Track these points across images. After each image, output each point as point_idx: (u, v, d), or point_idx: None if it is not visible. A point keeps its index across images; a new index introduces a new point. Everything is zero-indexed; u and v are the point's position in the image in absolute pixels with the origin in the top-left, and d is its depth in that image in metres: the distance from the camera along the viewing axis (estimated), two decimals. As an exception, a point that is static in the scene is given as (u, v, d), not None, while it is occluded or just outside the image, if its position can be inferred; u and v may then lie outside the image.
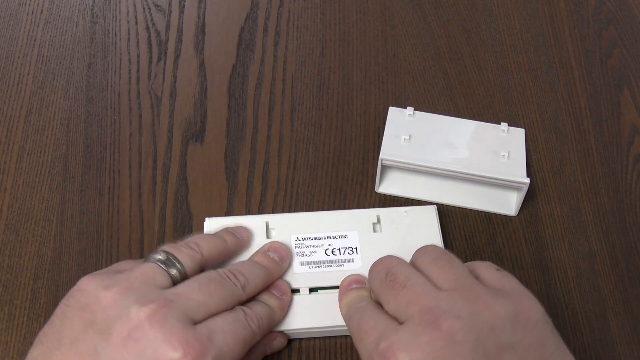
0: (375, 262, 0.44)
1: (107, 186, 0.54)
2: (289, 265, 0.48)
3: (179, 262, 0.43)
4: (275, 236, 0.50)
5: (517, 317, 0.38)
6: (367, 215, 0.51)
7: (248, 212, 0.53)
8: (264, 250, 0.48)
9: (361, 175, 0.55)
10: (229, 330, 0.41)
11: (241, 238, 0.48)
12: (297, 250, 0.49)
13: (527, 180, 0.51)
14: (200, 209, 0.53)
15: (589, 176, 0.56)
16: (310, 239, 0.49)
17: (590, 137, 0.58)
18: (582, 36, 0.64)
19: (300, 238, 0.49)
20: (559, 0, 0.66)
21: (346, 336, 0.48)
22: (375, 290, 0.43)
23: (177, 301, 0.40)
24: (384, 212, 0.51)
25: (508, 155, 0.53)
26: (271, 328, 0.46)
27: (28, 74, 0.60)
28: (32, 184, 0.54)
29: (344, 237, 0.50)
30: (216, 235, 0.48)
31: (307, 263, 0.49)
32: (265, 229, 0.50)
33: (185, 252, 0.44)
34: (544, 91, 0.60)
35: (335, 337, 0.48)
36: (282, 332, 0.47)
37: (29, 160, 0.55)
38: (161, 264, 0.43)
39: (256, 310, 0.44)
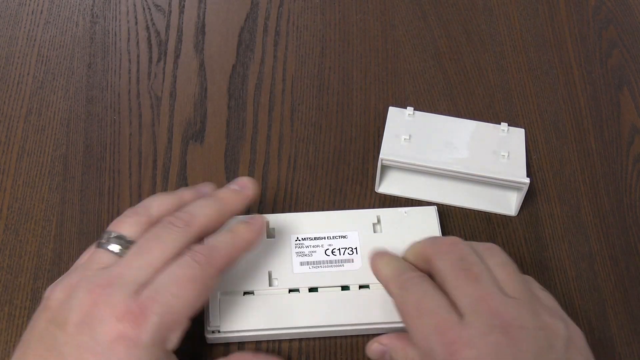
0: (444, 240, 0.43)
1: (107, 186, 0.54)
2: (254, 195, 0.47)
3: (121, 236, 0.43)
4: (275, 236, 0.50)
5: (570, 339, 0.40)
6: (368, 215, 0.51)
7: (248, 212, 0.53)
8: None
9: (361, 175, 0.55)
10: (170, 280, 0.41)
11: (202, 191, 0.47)
12: (297, 250, 0.49)
13: (527, 180, 0.51)
14: (200, 209, 0.53)
15: (589, 176, 0.56)
16: (310, 239, 0.49)
17: (590, 137, 0.58)
18: (582, 36, 0.64)
19: (300, 238, 0.49)
20: (559, 0, 0.66)
21: (346, 337, 0.48)
22: (441, 269, 0.42)
23: (119, 275, 0.41)
24: (384, 213, 0.51)
25: (508, 155, 0.53)
26: (239, 251, 0.44)
27: (28, 74, 0.60)
28: (32, 184, 0.54)
29: (344, 237, 0.50)
30: (172, 192, 0.47)
31: (307, 263, 0.49)
32: (266, 228, 0.50)
33: (128, 221, 0.44)
34: (544, 91, 0.60)
35: (335, 337, 0.48)
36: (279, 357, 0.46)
37: (29, 160, 0.55)
38: (102, 245, 0.43)
39: (208, 242, 0.43)
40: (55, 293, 0.41)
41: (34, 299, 0.49)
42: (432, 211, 0.51)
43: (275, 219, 0.50)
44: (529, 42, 0.63)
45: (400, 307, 0.42)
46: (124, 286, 0.40)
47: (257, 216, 0.47)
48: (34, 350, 0.40)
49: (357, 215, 0.51)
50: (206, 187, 0.48)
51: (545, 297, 0.43)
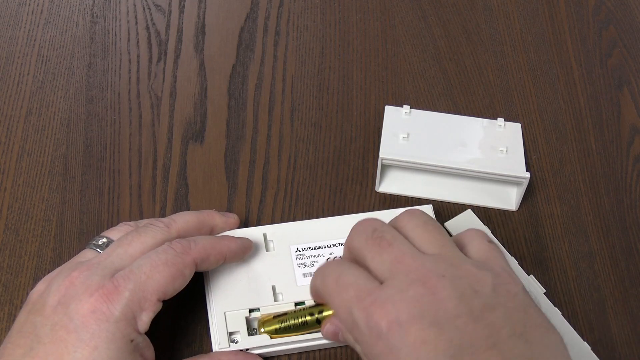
0: (359, 222, 0.43)
1: (107, 186, 0.54)
2: (235, 225, 0.49)
3: (108, 238, 0.46)
4: (275, 248, 0.49)
5: (497, 286, 0.39)
6: None
7: (248, 212, 0.53)
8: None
9: (361, 175, 0.55)
10: (145, 262, 0.42)
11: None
12: (299, 261, 0.48)
13: (527, 175, 0.51)
14: (200, 209, 0.53)
15: (589, 176, 0.56)
16: (310, 248, 0.49)
17: (590, 137, 0.58)
18: (582, 36, 0.64)
19: (300, 249, 0.49)
20: (559, 0, 0.66)
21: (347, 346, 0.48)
22: (357, 247, 0.42)
23: (98, 262, 0.43)
24: (382, 215, 0.50)
25: (506, 151, 0.53)
26: (218, 252, 0.45)
27: (28, 74, 0.60)
28: (32, 184, 0.54)
29: (343, 244, 0.49)
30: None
31: (310, 274, 0.48)
32: (264, 240, 0.49)
33: (118, 229, 0.47)
34: (543, 91, 0.60)
35: (338, 347, 0.48)
36: (259, 357, 0.46)
37: (29, 160, 0.55)
38: (93, 246, 0.46)
39: (187, 238, 0.45)
40: (36, 287, 0.44)
41: (34, 299, 0.49)
42: (429, 209, 0.51)
43: (272, 231, 0.50)
44: (529, 42, 0.63)
45: (323, 293, 0.42)
46: (101, 269, 0.42)
47: (245, 238, 0.48)
48: (13, 341, 0.41)
49: (353, 220, 0.50)
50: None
51: (487, 250, 0.42)
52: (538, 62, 0.62)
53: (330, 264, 0.43)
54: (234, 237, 0.48)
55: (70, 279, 0.42)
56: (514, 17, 0.65)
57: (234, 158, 0.56)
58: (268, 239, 0.49)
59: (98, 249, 0.46)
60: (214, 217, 0.49)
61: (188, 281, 0.44)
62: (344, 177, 0.55)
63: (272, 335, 0.45)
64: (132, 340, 0.41)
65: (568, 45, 0.63)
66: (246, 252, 0.48)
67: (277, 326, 0.45)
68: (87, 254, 0.45)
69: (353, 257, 0.43)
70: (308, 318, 0.44)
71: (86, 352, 0.39)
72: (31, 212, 0.53)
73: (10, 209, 0.53)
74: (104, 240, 0.46)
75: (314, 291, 0.44)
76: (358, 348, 0.40)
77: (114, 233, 0.47)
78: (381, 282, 0.39)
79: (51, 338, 0.40)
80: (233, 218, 0.50)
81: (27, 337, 0.41)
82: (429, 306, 0.37)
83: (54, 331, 0.40)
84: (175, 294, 0.43)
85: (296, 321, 0.45)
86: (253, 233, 0.49)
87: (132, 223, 0.48)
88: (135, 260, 0.43)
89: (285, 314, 0.45)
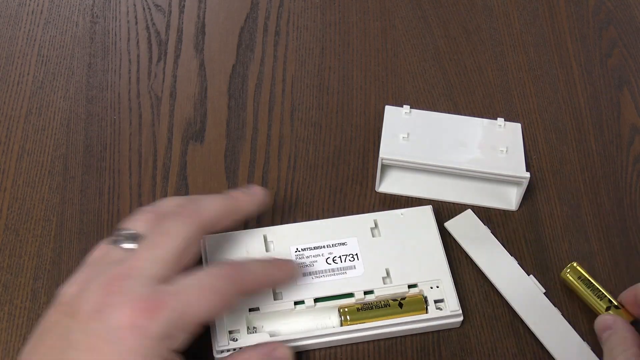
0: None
1: (107, 186, 0.54)
2: (265, 202, 0.47)
3: (132, 232, 0.43)
4: (275, 249, 0.49)
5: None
6: (364, 220, 0.50)
7: (258, 220, 0.53)
8: None
9: (361, 175, 0.55)
10: (196, 284, 0.41)
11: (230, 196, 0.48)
12: (298, 261, 0.48)
13: (527, 175, 0.51)
14: (200, 209, 0.53)
15: (589, 176, 0.56)
16: (310, 248, 0.49)
17: (590, 137, 0.58)
18: (582, 36, 0.64)
19: (300, 249, 0.49)
20: (559, 1, 0.66)
21: (352, 344, 0.48)
22: None
23: (132, 267, 0.41)
24: (381, 216, 0.51)
25: (506, 150, 0.53)
26: (269, 285, 0.45)
27: (28, 74, 0.60)
28: (32, 184, 0.54)
29: (343, 244, 0.49)
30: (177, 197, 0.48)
31: (310, 274, 0.48)
32: (264, 242, 0.49)
33: (137, 218, 0.44)
34: (543, 91, 0.60)
35: (342, 346, 0.48)
36: (282, 343, 0.46)
37: (29, 160, 0.55)
38: (114, 242, 0.43)
39: (245, 264, 0.44)
40: (68, 288, 0.41)
41: (34, 299, 0.49)
42: (428, 210, 0.51)
43: (272, 232, 0.50)
44: (529, 42, 0.63)
45: None
46: (138, 278, 0.40)
47: (294, 267, 0.47)
48: (44, 342, 0.40)
49: (353, 220, 0.51)
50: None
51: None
52: (538, 62, 0.62)
53: None
54: (283, 264, 0.46)
55: (106, 286, 0.40)
56: (514, 17, 0.65)
57: (234, 158, 0.56)
58: (268, 240, 0.49)
59: (123, 245, 0.43)
60: (240, 200, 0.46)
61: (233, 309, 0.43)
62: (344, 177, 0.55)
63: (350, 320, 0.47)
64: None
65: (568, 45, 0.63)
66: (291, 280, 0.47)
67: (359, 306, 0.47)
68: (114, 254, 0.43)
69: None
70: (391, 302, 0.47)
71: None
72: (31, 212, 0.53)
73: (10, 209, 0.53)
74: (126, 232, 0.43)
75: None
76: None
77: (135, 224, 0.44)
78: None
79: (86, 345, 0.38)
80: (258, 195, 0.47)
81: (59, 340, 0.39)
82: None
83: (89, 339, 0.38)
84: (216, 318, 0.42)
85: (379, 303, 0.47)
86: (253, 235, 0.49)
87: (149, 208, 0.45)
88: (178, 269, 0.41)
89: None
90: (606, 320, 0.46)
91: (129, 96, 0.59)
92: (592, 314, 0.49)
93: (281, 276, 0.46)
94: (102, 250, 0.44)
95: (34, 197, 0.54)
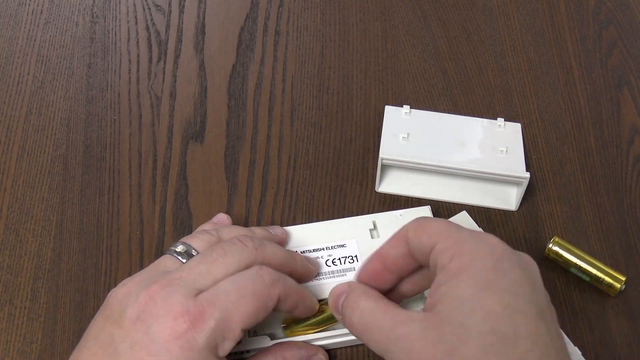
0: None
1: (107, 186, 0.54)
2: (313, 275, 0.48)
3: (190, 246, 0.44)
4: None
5: None
6: (363, 221, 0.51)
7: (248, 212, 0.53)
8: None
9: (361, 175, 0.55)
10: (232, 288, 0.40)
11: (273, 233, 0.49)
12: None
13: (527, 175, 0.51)
14: (200, 209, 0.53)
15: (589, 176, 0.56)
16: (310, 251, 0.49)
17: (590, 137, 0.58)
18: (582, 36, 0.64)
19: (299, 251, 0.49)
20: (559, 1, 0.66)
21: (346, 348, 0.48)
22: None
23: (180, 277, 0.41)
24: (380, 218, 0.51)
25: (506, 150, 0.53)
26: (299, 291, 0.44)
27: (28, 74, 0.60)
28: (32, 184, 0.54)
29: (342, 246, 0.49)
30: (239, 227, 0.48)
31: None
32: None
33: (200, 237, 0.44)
34: (544, 91, 0.60)
35: (337, 348, 0.48)
36: (321, 348, 0.46)
37: (29, 160, 0.55)
38: (174, 253, 0.43)
39: (272, 266, 0.43)
40: (116, 292, 0.41)
41: (34, 299, 0.49)
42: (427, 211, 0.51)
43: None
44: (529, 42, 0.63)
45: (422, 225, 0.40)
46: (183, 287, 0.40)
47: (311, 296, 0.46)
48: (89, 349, 0.40)
49: (352, 222, 0.51)
50: (278, 230, 0.49)
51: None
52: (538, 62, 0.62)
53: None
54: (309, 291, 0.46)
55: (150, 293, 0.40)
56: (514, 17, 0.65)
57: (234, 158, 0.56)
58: None
59: (179, 257, 0.43)
60: (297, 261, 0.46)
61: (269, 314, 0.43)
62: (344, 177, 0.55)
63: (292, 331, 0.46)
64: None
65: (568, 45, 0.63)
66: (312, 271, 0.47)
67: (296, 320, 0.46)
68: (167, 263, 0.43)
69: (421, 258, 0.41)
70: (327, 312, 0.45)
71: None
72: (31, 212, 0.53)
73: (10, 209, 0.53)
74: (183, 247, 0.44)
75: (398, 241, 0.42)
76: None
77: (195, 242, 0.44)
78: None
79: (131, 357, 0.38)
80: (314, 267, 0.48)
81: (105, 349, 0.39)
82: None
83: (134, 350, 0.38)
84: (256, 324, 0.42)
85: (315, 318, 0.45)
86: None
87: (214, 232, 0.45)
88: (219, 282, 0.41)
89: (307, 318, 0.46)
90: (339, 287, 0.42)
91: (129, 96, 0.59)
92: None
93: (308, 299, 0.45)
94: (162, 259, 0.44)
95: (34, 197, 0.54)
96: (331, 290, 0.43)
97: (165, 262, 0.43)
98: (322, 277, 0.48)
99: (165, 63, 0.61)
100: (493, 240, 0.38)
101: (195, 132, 0.57)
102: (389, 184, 0.55)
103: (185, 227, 0.52)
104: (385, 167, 0.53)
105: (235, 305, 0.40)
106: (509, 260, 0.38)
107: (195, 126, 0.58)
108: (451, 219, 0.52)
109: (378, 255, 0.42)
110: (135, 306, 0.39)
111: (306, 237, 0.50)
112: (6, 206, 0.53)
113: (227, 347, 0.40)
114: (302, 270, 0.47)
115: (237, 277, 0.41)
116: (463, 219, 0.52)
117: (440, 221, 0.40)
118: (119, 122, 0.58)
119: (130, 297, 0.40)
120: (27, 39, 0.62)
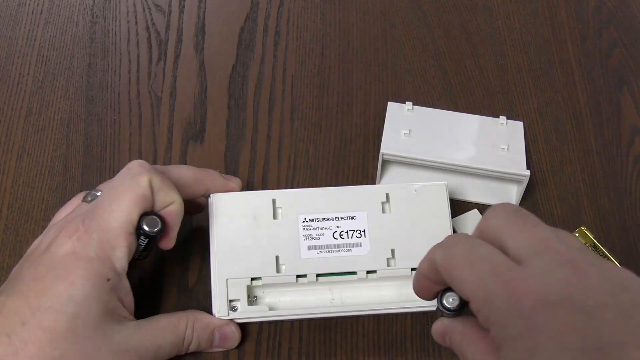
0: (497, 204, 0.39)
1: (107, 186, 0.54)
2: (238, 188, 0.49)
3: (97, 190, 0.46)
4: (282, 216, 0.48)
5: None
6: (376, 192, 0.49)
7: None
8: None
9: (361, 175, 0.55)
10: (104, 196, 0.44)
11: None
12: (305, 232, 0.48)
13: (528, 173, 0.51)
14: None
15: (589, 176, 0.56)
16: (318, 220, 0.48)
17: (590, 137, 0.58)
18: (582, 36, 0.64)
19: (308, 219, 0.48)
20: (559, 1, 0.66)
21: (344, 317, 0.48)
22: (495, 225, 0.38)
23: (83, 209, 0.44)
24: (394, 190, 0.49)
25: (508, 148, 0.53)
26: (192, 172, 0.47)
27: (28, 74, 0.60)
28: (32, 184, 0.54)
29: (352, 218, 0.48)
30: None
31: (315, 247, 0.47)
32: (272, 207, 0.48)
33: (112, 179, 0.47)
34: (544, 91, 0.60)
35: (335, 318, 0.48)
36: (233, 322, 0.46)
37: (29, 160, 0.55)
38: (84, 199, 0.46)
39: (180, 184, 0.46)
40: (35, 241, 0.46)
41: (34, 299, 0.49)
42: (442, 188, 0.49)
43: (282, 196, 0.49)
44: (529, 42, 0.63)
45: (446, 264, 0.38)
46: (79, 216, 0.44)
47: (235, 178, 0.50)
48: (2, 285, 0.43)
49: (365, 191, 0.49)
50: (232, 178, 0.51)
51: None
52: (538, 62, 0.62)
53: (456, 236, 0.39)
54: (222, 175, 0.49)
55: (59, 228, 0.43)
56: (514, 17, 0.65)
57: (234, 158, 0.56)
58: (277, 205, 0.48)
59: (85, 200, 0.46)
60: (214, 178, 0.48)
61: (163, 205, 0.44)
62: (344, 177, 0.55)
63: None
64: (108, 280, 0.42)
65: (568, 45, 0.63)
66: (234, 189, 0.49)
67: None
68: (80, 207, 0.46)
69: (485, 237, 0.39)
70: None
71: (62, 287, 0.41)
72: (31, 212, 0.53)
73: (10, 209, 0.53)
74: (96, 190, 0.46)
75: (430, 266, 0.39)
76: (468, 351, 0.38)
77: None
78: (518, 262, 0.36)
79: (33, 276, 0.42)
80: (235, 182, 0.49)
81: (11, 280, 0.43)
82: (579, 291, 0.34)
83: (35, 270, 0.42)
84: (154, 229, 0.43)
85: None
86: (262, 198, 0.48)
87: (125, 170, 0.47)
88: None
89: None
90: (437, 328, 0.41)
91: (129, 96, 0.59)
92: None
93: (216, 178, 0.48)
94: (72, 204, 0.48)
95: (34, 197, 0.54)
96: (432, 331, 0.41)
97: (78, 206, 0.46)
98: (327, 250, 0.47)
99: (165, 63, 0.61)
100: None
101: (195, 132, 0.57)
102: (389, 181, 0.54)
103: (185, 227, 0.52)
104: (385, 163, 0.53)
105: (108, 210, 0.43)
106: None
107: (195, 126, 0.58)
108: (461, 216, 0.52)
109: (420, 276, 0.41)
110: (47, 240, 0.44)
111: (317, 202, 0.49)
112: (6, 206, 0.53)
113: (119, 254, 0.43)
114: (220, 184, 0.48)
115: (109, 182, 0.45)
116: (474, 217, 0.52)
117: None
118: (119, 122, 0.58)
119: (44, 238, 0.44)
120: (27, 39, 0.62)
